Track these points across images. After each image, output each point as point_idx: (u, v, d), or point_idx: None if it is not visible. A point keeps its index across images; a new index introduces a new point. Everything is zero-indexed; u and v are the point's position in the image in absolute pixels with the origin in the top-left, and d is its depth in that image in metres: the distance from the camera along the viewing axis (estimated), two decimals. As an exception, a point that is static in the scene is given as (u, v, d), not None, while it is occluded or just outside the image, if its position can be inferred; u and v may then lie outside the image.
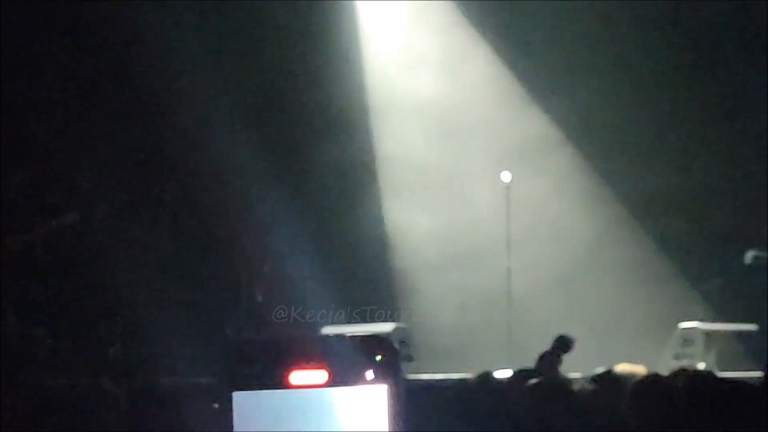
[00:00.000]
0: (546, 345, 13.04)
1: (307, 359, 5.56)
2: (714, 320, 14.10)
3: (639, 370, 7.18)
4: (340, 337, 6.45)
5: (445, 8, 15.62)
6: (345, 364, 5.46)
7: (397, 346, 13.01)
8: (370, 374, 5.40)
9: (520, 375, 7.10)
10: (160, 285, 13.91)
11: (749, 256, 15.17)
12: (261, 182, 15.53)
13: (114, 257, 14.14)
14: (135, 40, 14.66)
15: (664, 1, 15.20)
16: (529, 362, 9.48)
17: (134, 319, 13.65)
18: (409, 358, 13.21)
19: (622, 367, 7.26)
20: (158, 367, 12.37)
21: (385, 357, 5.23)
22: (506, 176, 13.72)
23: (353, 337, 6.02)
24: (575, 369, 7.38)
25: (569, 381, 5.55)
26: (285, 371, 5.60)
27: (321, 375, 5.54)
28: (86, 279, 14.03)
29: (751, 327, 13.55)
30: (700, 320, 14.01)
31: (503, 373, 7.68)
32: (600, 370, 7.22)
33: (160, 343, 13.35)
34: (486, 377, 7.18)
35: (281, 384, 5.59)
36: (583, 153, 15.48)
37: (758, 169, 15.41)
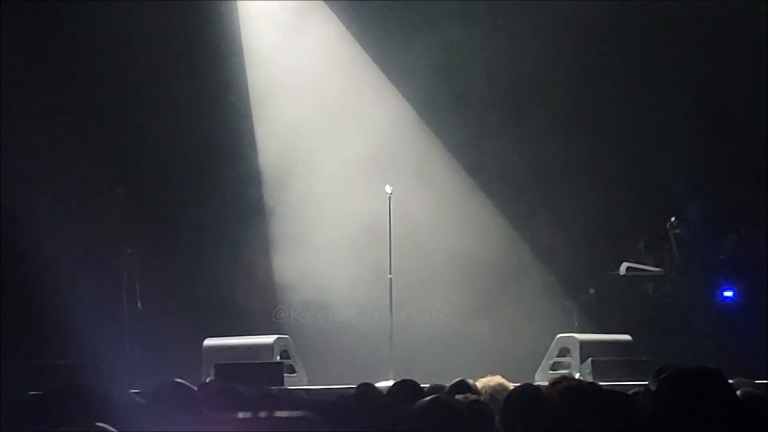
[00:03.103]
0: (426, 356, 13.17)
1: None
2: (590, 331, 14.35)
3: (497, 380, 7.27)
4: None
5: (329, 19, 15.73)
6: None
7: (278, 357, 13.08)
8: None
9: (402, 386, 7.16)
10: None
11: (624, 267, 15.51)
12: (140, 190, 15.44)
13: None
14: None
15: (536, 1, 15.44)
16: (411, 373, 9.56)
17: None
18: (291, 369, 13.21)
19: (482, 380, 7.33)
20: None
21: None
22: (389, 188, 13.79)
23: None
24: (449, 380, 7.45)
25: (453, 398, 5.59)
26: None
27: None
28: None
29: (625, 338, 13.79)
30: (577, 331, 14.25)
31: (385, 385, 7.73)
32: (456, 380, 7.31)
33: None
34: (366, 389, 7.24)
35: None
36: (464, 168, 15.66)
37: (633, 185, 15.78)
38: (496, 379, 7.33)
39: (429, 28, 15.43)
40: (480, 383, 7.37)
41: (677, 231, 15.44)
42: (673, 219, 15.41)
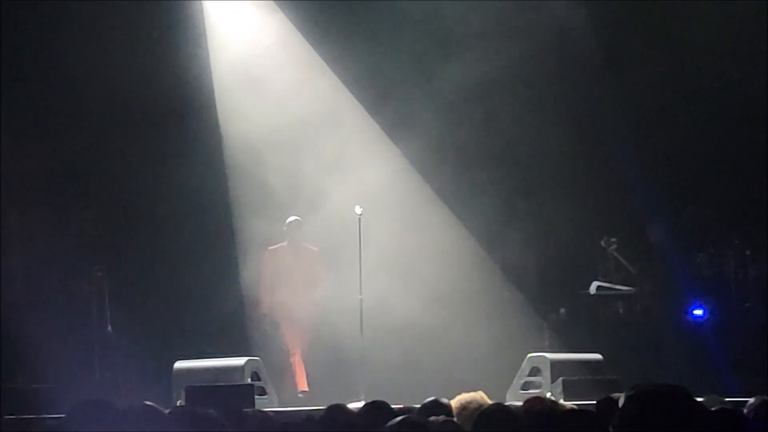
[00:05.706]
0: (397, 377, 13.14)
1: None
2: (561, 350, 14.37)
3: (478, 397, 7.23)
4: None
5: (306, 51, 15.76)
6: None
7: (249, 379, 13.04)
8: None
9: (373, 407, 7.13)
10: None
11: (593, 286, 15.57)
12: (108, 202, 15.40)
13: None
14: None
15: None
16: (382, 394, 9.56)
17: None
18: (262, 391, 13.17)
19: (462, 396, 7.28)
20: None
21: None
22: (358, 209, 13.80)
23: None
24: (420, 400, 7.43)
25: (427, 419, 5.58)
26: None
27: None
28: None
29: (596, 357, 13.82)
30: (547, 350, 14.27)
31: (356, 406, 7.71)
32: (428, 400, 7.29)
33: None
34: (337, 410, 7.22)
35: None
36: (433, 187, 15.68)
37: (603, 203, 15.85)
38: (477, 398, 7.25)
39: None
40: (460, 400, 7.30)
41: (613, 248, 15.60)
42: (606, 238, 15.57)
